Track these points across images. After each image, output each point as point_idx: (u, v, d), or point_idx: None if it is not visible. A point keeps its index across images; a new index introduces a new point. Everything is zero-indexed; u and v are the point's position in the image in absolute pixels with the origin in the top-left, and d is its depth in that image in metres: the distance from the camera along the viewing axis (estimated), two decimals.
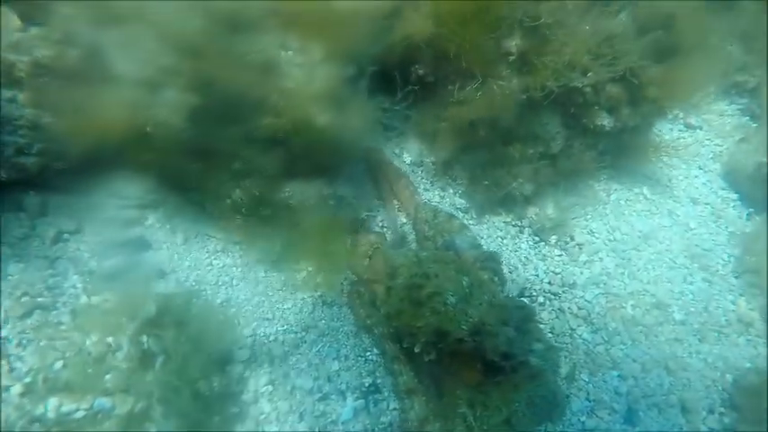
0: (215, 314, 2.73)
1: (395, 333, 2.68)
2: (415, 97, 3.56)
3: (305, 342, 2.97)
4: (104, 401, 2.23)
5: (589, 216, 4.33)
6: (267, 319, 2.94)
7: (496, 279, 2.86)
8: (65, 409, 2.15)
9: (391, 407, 2.95)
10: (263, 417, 2.72)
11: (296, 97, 2.70)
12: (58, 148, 2.51)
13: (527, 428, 2.68)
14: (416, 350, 2.57)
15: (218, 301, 2.83)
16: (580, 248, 4.14)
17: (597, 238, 4.22)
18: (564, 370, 3.46)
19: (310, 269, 3.10)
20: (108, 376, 2.26)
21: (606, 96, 3.88)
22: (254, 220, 2.90)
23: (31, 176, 2.51)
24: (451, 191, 3.95)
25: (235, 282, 2.96)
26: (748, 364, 3.70)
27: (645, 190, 4.59)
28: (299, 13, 2.71)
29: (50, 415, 2.10)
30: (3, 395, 2.05)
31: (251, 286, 2.99)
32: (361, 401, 2.90)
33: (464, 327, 2.49)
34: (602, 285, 3.95)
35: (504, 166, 3.98)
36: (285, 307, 3.03)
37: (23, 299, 2.32)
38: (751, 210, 4.65)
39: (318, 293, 3.12)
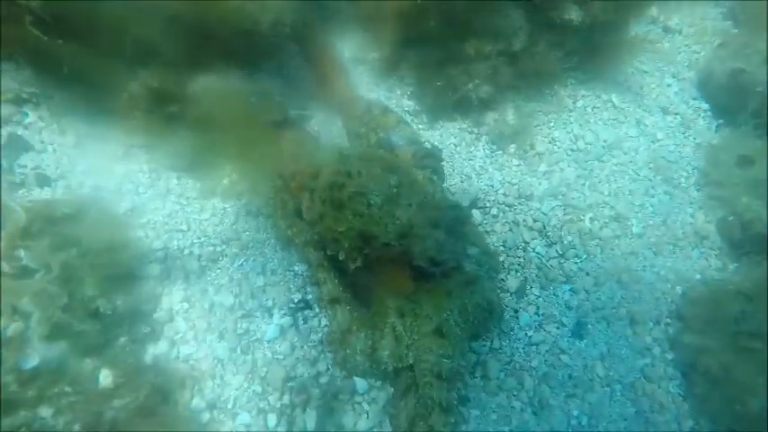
0: (115, 225, 2.39)
1: (318, 239, 2.40)
2: None
3: (225, 256, 2.68)
4: None
5: (552, 123, 4.01)
6: (181, 230, 2.61)
7: (435, 178, 2.55)
8: None
9: (323, 324, 2.74)
10: (178, 336, 2.47)
11: None
12: None
13: (461, 338, 2.51)
14: (341, 257, 2.32)
15: (121, 211, 2.48)
16: (540, 158, 3.86)
17: (559, 148, 3.93)
18: (514, 284, 3.29)
19: (232, 175, 2.74)
20: None
21: None
22: (159, 118, 2.48)
23: None
24: (399, 92, 3.55)
25: (141, 189, 2.59)
26: (698, 276, 3.59)
27: (614, 97, 4.25)
28: None
29: None
30: None
31: (161, 194, 2.63)
32: (289, 318, 2.67)
33: (390, 230, 2.23)
34: (560, 197, 3.71)
35: (459, 65, 3.56)
36: (202, 218, 2.70)
37: None
38: (720, 121, 4.39)
39: (242, 202, 2.78)
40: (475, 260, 2.69)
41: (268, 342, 2.60)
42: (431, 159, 2.60)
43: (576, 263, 3.50)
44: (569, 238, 3.56)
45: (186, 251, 2.58)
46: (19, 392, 1.98)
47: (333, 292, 2.51)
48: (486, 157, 3.76)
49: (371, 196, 2.25)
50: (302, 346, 2.66)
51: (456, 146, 3.71)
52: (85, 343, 2.19)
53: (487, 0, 3.32)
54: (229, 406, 2.44)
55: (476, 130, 3.82)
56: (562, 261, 3.47)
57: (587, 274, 3.48)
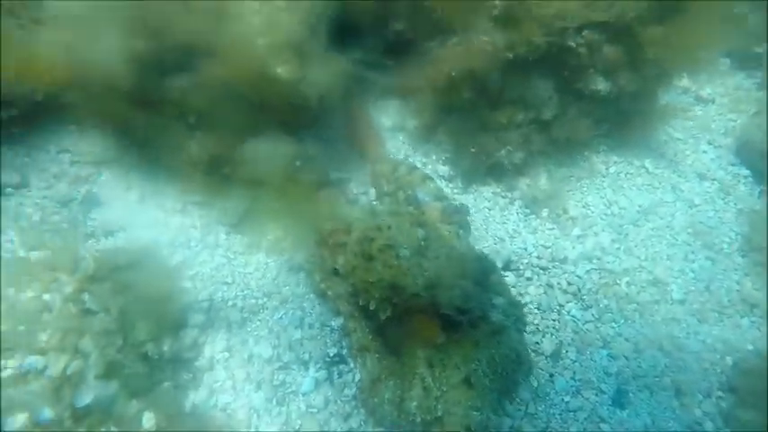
0: (168, 275, 2.59)
1: (351, 291, 2.51)
2: (394, 56, 3.35)
3: (266, 308, 2.81)
4: (35, 360, 2.10)
5: (585, 189, 4.09)
6: (226, 283, 2.79)
7: (461, 233, 2.65)
8: None
9: (357, 379, 2.79)
10: (217, 385, 2.58)
11: (253, 46, 2.52)
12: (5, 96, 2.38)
13: (490, 390, 2.49)
14: (371, 307, 2.41)
15: (174, 262, 2.69)
16: (573, 222, 3.91)
17: (593, 212, 3.98)
18: (549, 347, 3.26)
19: (276, 233, 2.94)
20: (42, 334, 2.13)
21: (602, 58, 3.62)
22: (214, 178, 2.74)
23: None
24: (434, 157, 3.75)
25: (193, 243, 2.81)
26: (750, 347, 3.44)
27: (647, 163, 4.31)
28: None
29: None
30: None
31: (210, 248, 2.84)
32: (324, 372, 2.74)
33: (418, 281, 2.34)
34: (595, 261, 3.72)
35: (492, 132, 3.75)
36: (246, 271, 2.87)
37: None
38: (763, 187, 4.35)
39: (284, 258, 2.96)
40: (501, 311, 2.72)
41: (303, 395, 2.66)
42: (458, 215, 2.73)
43: (613, 327, 3.45)
44: (605, 301, 3.53)
45: (230, 303, 2.73)
46: (71, 429, 2.10)
47: (362, 340, 2.58)
48: (520, 220, 3.84)
49: (400, 249, 2.37)
50: (336, 401, 2.70)
51: (489, 209, 3.82)
52: (133, 385, 2.32)
53: (517, 73, 3.53)
54: None
55: (509, 195, 3.94)
56: (599, 325, 3.43)
57: (626, 339, 3.41)
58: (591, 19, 3.12)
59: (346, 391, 2.74)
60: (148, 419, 2.29)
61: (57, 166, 2.65)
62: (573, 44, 3.53)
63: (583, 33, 3.50)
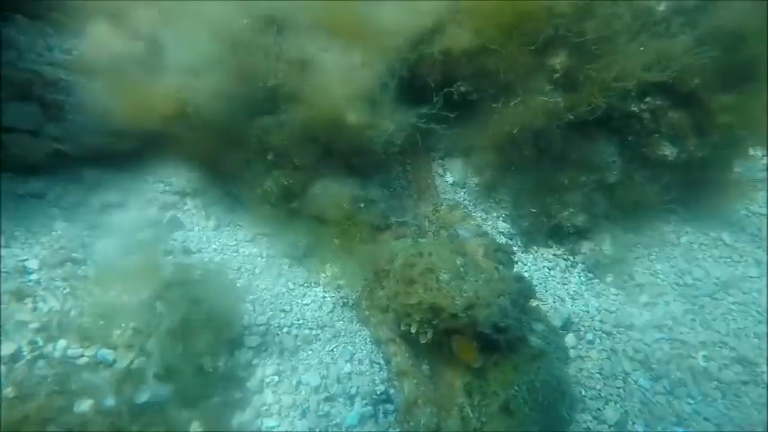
0: (231, 296, 2.76)
1: (393, 317, 2.54)
2: (458, 116, 3.57)
3: (318, 339, 2.88)
4: (107, 353, 2.28)
5: (653, 256, 3.93)
6: (284, 310, 2.90)
7: (501, 268, 2.62)
8: (70, 352, 2.23)
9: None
10: (264, 408, 2.61)
11: (330, 94, 2.83)
12: (118, 131, 2.81)
13: (530, 419, 2.35)
14: (412, 330, 2.43)
15: (237, 285, 2.87)
16: (641, 289, 3.73)
17: (663, 281, 3.79)
18: (613, 415, 3.01)
19: (335, 270, 3.07)
20: (116, 331, 2.33)
21: (667, 123, 3.65)
22: (283, 211, 2.97)
23: (92, 153, 2.83)
24: (495, 214, 3.81)
25: (257, 270, 2.99)
26: None
27: (725, 236, 4.10)
28: (344, 21, 2.91)
29: (56, 354, 2.19)
30: (21, 329, 2.19)
31: (273, 277, 3.00)
32: (370, 408, 2.70)
33: (457, 302, 2.37)
34: (665, 330, 3.48)
35: (553, 193, 3.79)
36: (304, 302, 2.98)
37: (60, 251, 2.52)
38: None
39: (341, 294, 3.06)
40: (541, 336, 2.60)
41: (346, 428, 2.62)
42: (502, 254, 2.73)
43: (689, 404, 3.14)
44: (678, 374, 3.25)
45: (285, 330, 2.83)
46: (127, 424, 2.22)
47: (401, 365, 2.57)
48: (582, 283, 3.73)
49: (440, 273, 2.44)
50: None
51: (550, 269, 3.76)
52: (186, 394, 2.42)
53: (580, 134, 3.62)
54: None
55: (571, 258, 3.86)
56: (671, 399, 3.14)
57: (706, 418, 3.08)
58: (647, 79, 3.19)
59: (391, 431, 2.67)
60: (195, 429, 2.36)
61: (151, 192, 3.01)
62: (636, 109, 3.60)
63: (646, 99, 3.59)
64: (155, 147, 2.96)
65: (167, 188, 3.09)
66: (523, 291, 2.56)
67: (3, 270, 2.36)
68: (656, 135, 3.69)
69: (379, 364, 2.87)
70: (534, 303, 2.79)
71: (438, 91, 3.33)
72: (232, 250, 3.01)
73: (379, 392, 2.77)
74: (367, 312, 2.78)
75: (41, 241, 2.56)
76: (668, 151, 3.71)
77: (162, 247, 2.81)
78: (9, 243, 2.51)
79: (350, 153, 2.97)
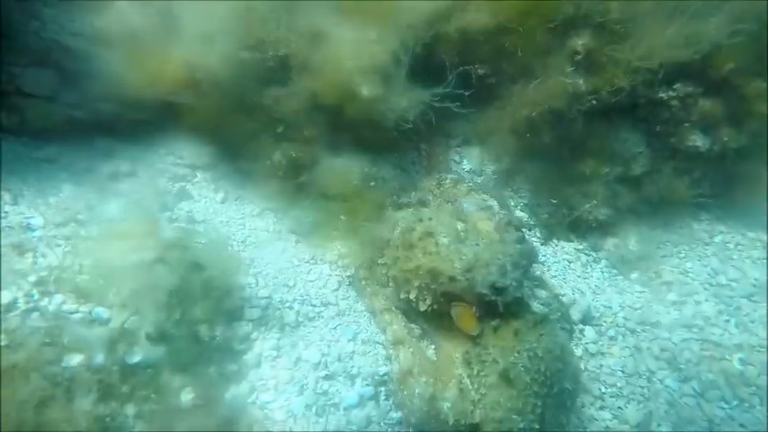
0: (234, 267, 2.69)
1: (393, 287, 2.45)
2: (476, 100, 3.48)
3: (321, 317, 2.77)
4: (102, 311, 2.24)
5: (683, 255, 3.69)
6: (287, 285, 2.82)
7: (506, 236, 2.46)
8: (65, 307, 2.19)
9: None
10: (261, 382, 2.51)
11: (342, 66, 2.79)
12: (133, 101, 2.83)
13: (532, 391, 2.20)
14: (411, 296, 2.32)
15: (242, 257, 2.80)
16: (668, 287, 3.50)
17: (693, 280, 3.55)
18: (635, 415, 2.79)
19: (340, 248, 2.99)
20: (113, 290, 2.29)
21: (698, 112, 3.46)
22: (291, 185, 2.92)
23: (106, 122, 2.85)
24: (512, 203, 3.66)
25: (263, 244, 2.93)
26: None
27: (764, 236, 3.82)
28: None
29: (51, 308, 2.15)
30: (19, 281, 2.17)
31: (278, 252, 2.93)
32: (371, 389, 2.56)
33: (456, 264, 2.25)
34: (695, 330, 3.24)
35: (575, 184, 3.62)
36: (309, 278, 2.90)
37: (65, 211, 2.52)
38: None
39: (347, 273, 2.96)
40: (544, 303, 2.43)
41: (345, 409, 2.49)
42: (510, 226, 2.56)
43: (723, 408, 2.88)
44: (710, 376, 3.00)
45: (287, 305, 2.74)
46: (117, 384, 2.15)
47: (397, 333, 2.47)
48: (605, 279, 3.53)
49: (439, 237, 2.34)
50: (379, 422, 2.49)
51: (570, 262, 3.57)
52: (181, 360, 2.35)
53: (603, 122, 3.47)
54: None
55: (593, 254, 3.67)
56: (701, 401, 2.89)
57: (742, 425, 2.82)
58: (674, 58, 3.03)
59: (392, 414, 2.52)
60: (187, 395, 2.27)
61: (162, 164, 3.01)
62: (664, 96, 3.44)
63: (674, 86, 3.42)
64: (168, 119, 2.97)
65: (179, 161, 3.08)
66: (525, 253, 2.41)
67: (7, 225, 2.36)
68: (687, 124, 3.50)
69: (382, 344, 2.74)
70: (538, 272, 2.64)
71: (455, 72, 3.26)
72: (238, 223, 2.96)
73: (381, 373, 2.63)
74: (363, 283, 2.69)
75: (48, 202, 2.56)
76: (699, 142, 3.51)
77: (167, 214, 2.79)
78: (17, 201, 2.53)
79: (361, 127, 2.90)
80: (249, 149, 2.96)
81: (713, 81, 3.37)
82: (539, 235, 3.66)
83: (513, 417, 2.19)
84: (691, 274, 3.57)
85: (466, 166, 3.74)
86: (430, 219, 2.45)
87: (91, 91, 2.80)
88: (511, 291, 2.27)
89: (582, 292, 3.34)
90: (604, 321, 3.24)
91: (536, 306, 2.41)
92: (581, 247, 3.69)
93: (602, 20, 3.11)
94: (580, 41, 3.21)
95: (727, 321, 3.30)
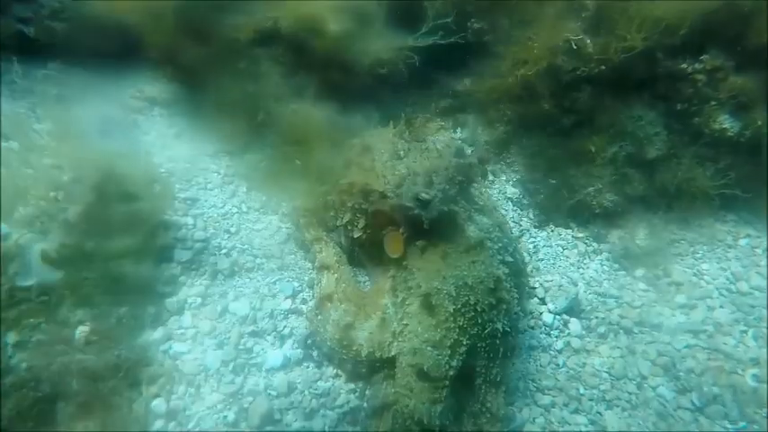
0: (170, 204, 2.43)
1: (333, 214, 2.25)
2: (471, 61, 3.15)
3: (261, 269, 2.47)
4: (4, 227, 2.01)
5: (699, 255, 3.21)
6: (229, 231, 2.53)
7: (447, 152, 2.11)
8: None
9: (337, 371, 2.22)
10: (180, 331, 2.22)
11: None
12: (86, 21, 2.63)
13: (455, 324, 1.91)
14: (346, 220, 2.14)
15: (182, 196, 2.54)
16: (678, 289, 3.03)
17: (708, 283, 3.06)
18: (614, 423, 2.35)
19: (294, 202, 2.68)
20: (20, 208, 2.06)
21: (728, 89, 3.00)
22: (250, 127, 2.65)
23: (59, 42, 2.67)
24: (504, 177, 3.28)
25: (210, 186, 2.66)
26: None
27: None
28: None
29: None
30: None
31: (226, 196, 2.65)
32: (300, 352, 2.23)
33: (389, 179, 2.01)
34: (702, 337, 2.76)
35: (578, 163, 3.21)
36: (254, 227, 2.60)
37: None
38: None
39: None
40: (484, 230, 2.05)
41: (266, 371, 2.17)
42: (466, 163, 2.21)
43: (725, 428, 2.40)
44: (714, 390, 2.52)
45: (224, 251, 2.46)
46: (3, 307, 1.91)
47: (325, 259, 2.24)
48: (603, 272, 3.08)
49: (377, 153, 2.10)
50: (303, 391, 2.15)
51: (564, 249, 3.15)
52: (87, 294, 2.09)
53: (613, 95, 3.06)
54: (190, 425, 1.98)
55: (594, 245, 3.23)
56: (699, 417, 2.42)
57: None
58: (698, 11, 2.61)
59: (319, 384, 2.18)
60: (82, 332, 2.01)
61: (117, 94, 2.81)
62: (688, 69, 3.00)
63: (701, 57, 2.98)
64: (131, 49, 2.76)
65: (137, 93, 2.87)
66: (463, 168, 2.05)
67: None
68: (713, 103, 3.04)
69: None
70: (476, 189, 2.33)
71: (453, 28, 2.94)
72: (187, 161, 2.71)
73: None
74: (302, 219, 2.41)
75: None
76: (728, 125, 3.05)
77: (106, 141, 2.56)
78: None
79: (329, 68, 2.61)
80: (208, 85, 2.71)
81: (749, 51, 2.91)
82: (531, 216, 3.26)
83: (428, 349, 1.89)
84: (706, 277, 3.09)
85: (458, 135, 3.39)
86: (371, 136, 2.23)
87: (46, 8, 2.61)
88: (435, 204, 1.94)
89: (573, 281, 2.92)
90: (596, 316, 2.81)
91: (471, 230, 2.05)
92: (581, 235, 3.26)
93: None
94: None
95: (744, 332, 2.81)
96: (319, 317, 2.16)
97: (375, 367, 2.06)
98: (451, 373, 1.92)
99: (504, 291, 2.03)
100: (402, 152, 2.10)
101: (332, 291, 2.17)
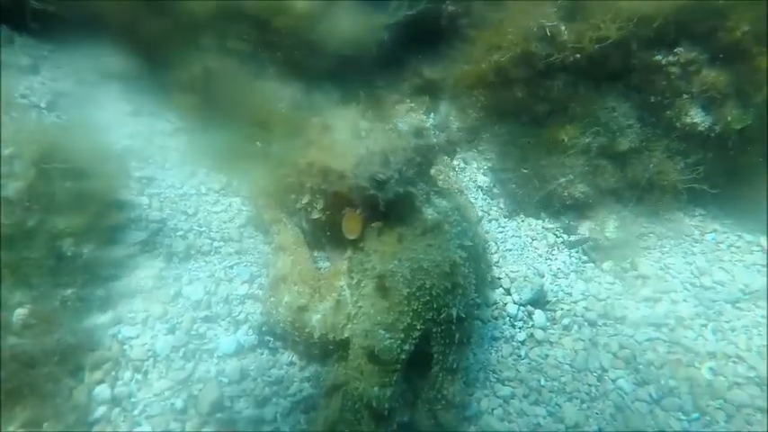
0: (124, 183, 2.33)
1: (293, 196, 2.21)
2: (444, 43, 3.07)
3: (218, 252, 2.39)
4: None
5: (666, 249, 3.21)
6: (186, 213, 2.44)
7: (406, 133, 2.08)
8: None
9: (291, 359, 2.16)
10: (130, 315, 2.13)
11: None
12: None
13: (407, 309, 1.90)
14: (304, 202, 2.12)
15: (138, 174, 2.44)
16: (644, 282, 3.03)
17: (673, 277, 3.07)
18: (572, 415, 2.34)
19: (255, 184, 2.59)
20: None
21: (701, 82, 2.98)
22: (210, 105, 2.55)
23: (13, 8, 2.51)
24: (475, 165, 3.23)
25: (167, 165, 2.56)
26: None
27: (764, 241, 3.31)
28: None
29: None
30: None
31: (184, 176, 2.56)
32: (254, 338, 2.17)
33: (348, 159, 1.97)
34: (664, 330, 2.77)
35: (550, 153, 3.17)
36: (213, 209, 2.52)
37: None
38: None
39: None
40: (441, 213, 2.02)
41: (218, 357, 2.10)
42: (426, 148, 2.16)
43: (680, 420, 2.42)
44: (671, 382, 2.53)
45: (180, 233, 2.37)
46: None
47: (282, 240, 2.22)
48: (571, 264, 3.07)
49: (337, 132, 2.04)
50: (255, 378, 2.09)
51: (533, 239, 3.12)
52: (27, 274, 1.98)
53: (587, 85, 3.02)
54: (135, 412, 1.91)
55: (564, 236, 3.21)
56: (656, 408, 2.43)
57: None
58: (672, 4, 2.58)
59: (272, 372, 2.12)
60: (19, 315, 1.91)
61: (71, 66, 2.67)
62: (662, 61, 2.97)
63: (676, 50, 2.95)
64: (86, 19, 2.62)
65: (93, 66, 2.74)
66: (422, 150, 2.01)
67: None
68: (686, 96, 3.02)
69: None
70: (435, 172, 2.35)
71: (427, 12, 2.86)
72: (144, 138, 2.60)
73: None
74: (259, 198, 2.36)
75: None
76: (699, 119, 3.03)
77: (55, 114, 2.43)
78: None
79: (294, 47, 2.51)
80: (168, 60, 2.59)
81: (722, 46, 2.89)
82: (502, 206, 3.22)
83: (380, 332, 1.87)
84: (672, 271, 3.10)
85: (430, 119, 3.33)
86: (333, 116, 2.18)
87: None
88: (392, 185, 1.91)
89: (539, 273, 2.89)
90: (560, 308, 2.80)
91: (429, 212, 2.03)
92: (551, 226, 3.24)
93: None
94: None
95: (704, 326, 2.83)
96: (272, 299, 2.11)
97: (329, 350, 2.04)
98: (403, 356, 1.89)
99: (461, 276, 2.00)
100: (364, 132, 2.05)
101: (287, 272, 2.12)
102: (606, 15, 2.68)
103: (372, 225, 2.01)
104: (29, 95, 2.41)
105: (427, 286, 1.91)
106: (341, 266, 2.08)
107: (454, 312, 1.97)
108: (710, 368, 2.62)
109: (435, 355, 2.04)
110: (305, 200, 2.12)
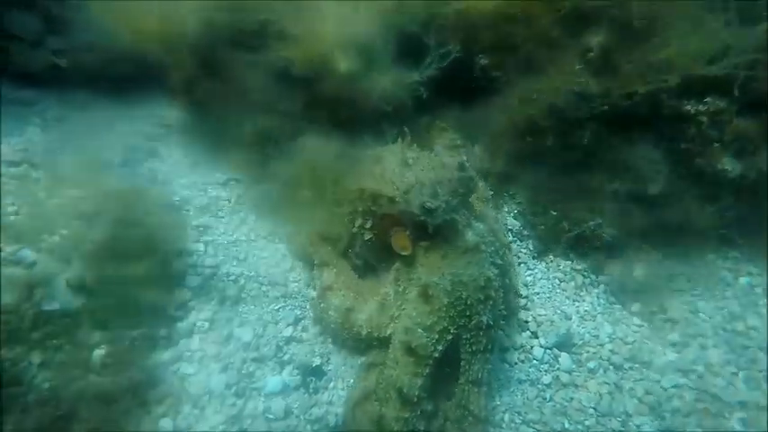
0: (182, 231, 2.60)
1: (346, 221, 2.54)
2: (477, 95, 3.24)
3: (266, 296, 2.63)
4: (29, 254, 2.19)
5: (697, 292, 3.26)
6: (237, 258, 2.69)
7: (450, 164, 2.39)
8: None
9: (331, 399, 2.37)
10: (187, 353, 2.39)
11: (323, 38, 2.65)
12: (117, 53, 2.80)
13: (447, 314, 2.21)
14: (357, 225, 2.43)
15: (194, 223, 2.71)
16: (672, 326, 3.09)
17: (703, 321, 3.11)
18: None
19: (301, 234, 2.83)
20: (45, 236, 2.25)
21: (732, 131, 3.03)
22: (261, 157, 2.80)
23: (89, 73, 2.85)
24: (506, 209, 3.37)
25: (221, 214, 2.82)
26: None
27: None
28: None
29: None
30: None
31: (235, 224, 2.81)
32: (298, 379, 2.39)
33: (397, 186, 2.30)
34: (692, 377, 2.83)
35: (579, 197, 3.28)
36: (261, 255, 2.76)
37: (20, 152, 2.52)
38: None
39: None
40: (479, 234, 2.37)
41: (266, 395, 2.33)
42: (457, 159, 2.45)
43: None
44: None
45: (232, 278, 2.62)
46: (27, 331, 2.10)
47: (325, 257, 2.56)
48: (598, 305, 3.16)
49: (387, 163, 2.37)
50: (298, 416, 2.31)
51: (561, 281, 3.23)
52: (103, 317, 2.27)
53: (618, 133, 3.12)
54: None
55: (592, 277, 3.30)
56: None
57: None
58: (695, 71, 2.67)
59: (314, 410, 2.33)
60: (98, 355, 2.19)
61: (138, 121, 2.99)
62: (692, 110, 3.04)
63: (705, 99, 3.02)
64: (150, 78, 2.93)
65: (155, 120, 3.05)
66: (464, 181, 2.36)
67: None
68: (717, 145, 3.08)
69: (323, 336, 2.56)
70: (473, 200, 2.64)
71: (462, 64, 3.04)
72: (200, 189, 2.88)
73: (314, 365, 2.45)
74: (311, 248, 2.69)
75: (10, 141, 2.58)
76: (729, 166, 3.08)
77: (127, 170, 2.74)
78: None
79: (338, 104, 2.74)
80: (222, 117, 2.87)
81: (754, 95, 2.94)
82: (531, 248, 3.34)
83: (419, 331, 2.20)
84: (702, 315, 3.14)
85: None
86: (382, 150, 2.53)
87: (77, 40, 2.80)
88: (440, 213, 2.24)
89: (567, 315, 3.00)
90: (586, 351, 2.89)
91: (470, 235, 2.35)
92: (579, 267, 3.34)
93: (621, 15, 2.78)
94: (595, 38, 2.89)
95: (735, 374, 2.86)
96: (322, 305, 2.45)
97: (373, 346, 2.38)
98: (436, 355, 2.20)
99: (492, 289, 2.32)
100: (411, 160, 2.35)
101: (332, 282, 2.47)
102: (634, 73, 2.78)
103: (421, 244, 2.33)
104: (103, 152, 2.72)
105: (464, 297, 2.23)
106: (388, 276, 2.40)
107: (485, 320, 2.27)
108: (741, 419, 2.66)
109: (462, 363, 2.31)
110: (357, 223, 2.41)
